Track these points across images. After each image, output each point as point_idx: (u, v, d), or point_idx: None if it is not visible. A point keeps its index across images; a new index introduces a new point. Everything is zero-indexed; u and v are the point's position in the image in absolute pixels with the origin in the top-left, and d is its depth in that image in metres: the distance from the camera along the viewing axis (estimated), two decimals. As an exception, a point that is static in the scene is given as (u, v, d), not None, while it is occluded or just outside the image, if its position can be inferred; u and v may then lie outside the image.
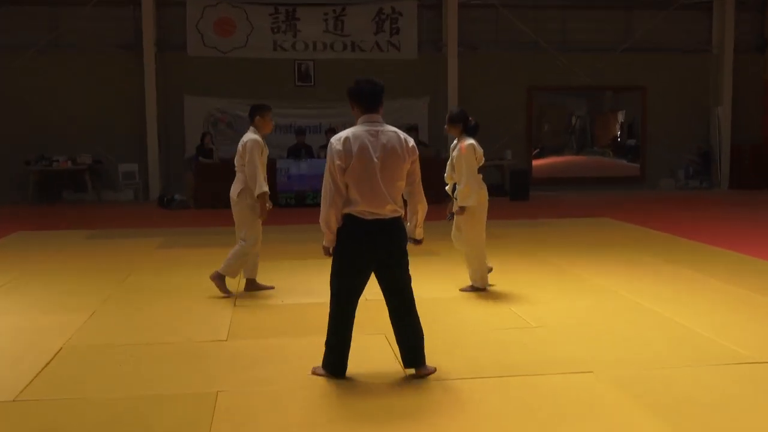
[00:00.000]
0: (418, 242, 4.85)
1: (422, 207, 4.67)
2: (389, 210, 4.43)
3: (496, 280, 7.42)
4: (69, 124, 15.75)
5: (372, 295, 6.21)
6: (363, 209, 4.40)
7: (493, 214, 7.72)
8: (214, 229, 11.34)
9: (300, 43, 16.48)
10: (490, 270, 7.14)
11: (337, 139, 4.43)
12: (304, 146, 15.08)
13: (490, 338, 5.48)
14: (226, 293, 6.86)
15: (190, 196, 14.67)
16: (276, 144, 15.75)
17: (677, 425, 3.86)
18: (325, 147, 15.56)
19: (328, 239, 4.57)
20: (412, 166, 4.54)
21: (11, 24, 15.80)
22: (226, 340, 5.47)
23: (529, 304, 6.47)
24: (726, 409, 4.08)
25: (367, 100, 4.48)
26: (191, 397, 4.32)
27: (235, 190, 6.93)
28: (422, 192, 4.64)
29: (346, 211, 4.45)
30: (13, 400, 4.29)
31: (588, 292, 6.96)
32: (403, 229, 4.59)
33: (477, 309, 6.38)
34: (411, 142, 4.55)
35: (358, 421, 3.97)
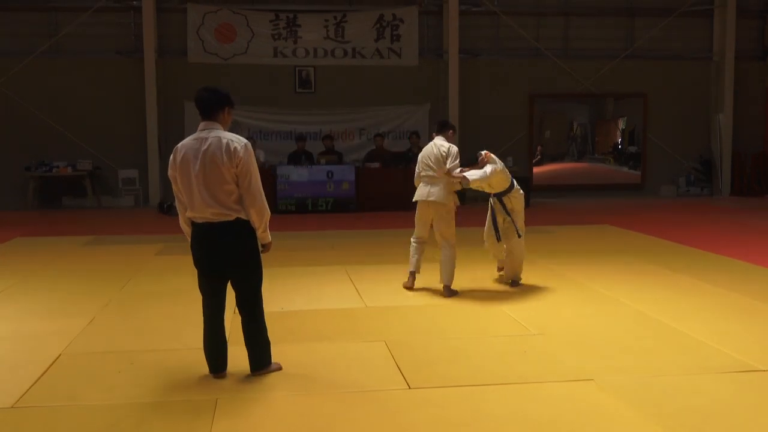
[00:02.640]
0: (263, 247, 4.79)
1: (254, 211, 4.57)
2: (211, 213, 4.55)
3: (498, 287, 7.41)
4: (69, 130, 15.76)
5: (372, 302, 6.20)
6: (192, 214, 4.63)
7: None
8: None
9: (301, 50, 16.48)
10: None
11: (173, 150, 4.69)
12: (304, 152, 15.07)
13: (491, 345, 5.46)
14: None
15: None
16: (276, 150, 15.81)
17: (679, 434, 3.84)
18: (324, 154, 15.57)
19: (189, 240, 4.80)
20: (238, 169, 4.52)
21: (11, 30, 15.81)
22: (225, 347, 5.44)
23: (529, 311, 6.45)
24: (727, 418, 4.06)
25: (200, 108, 4.66)
26: (190, 403, 4.30)
27: None
28: (254, 195, 4.55)
29: (188, 215, 4.68)
30: (12, 407, 4.27)
31: (589, 299, 6.94)
32: (236, 233, 4.58)
33: (477, 316, 6.36)
34: (235, 145, 4.52)
35: (358, 429, 3.95)
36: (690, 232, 11.26)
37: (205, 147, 4.54)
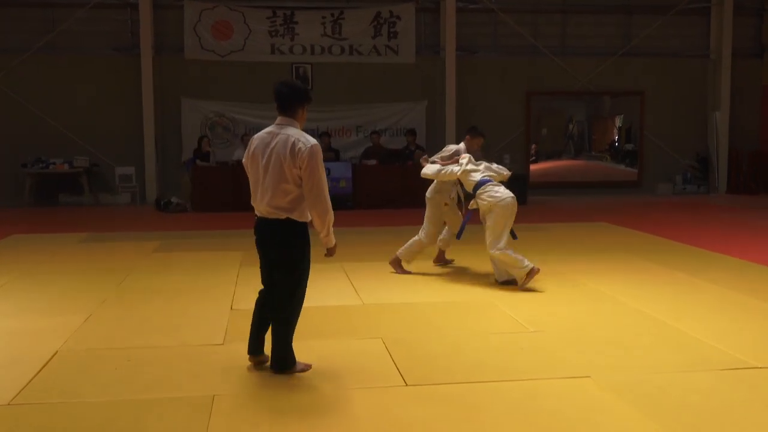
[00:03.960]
0: (327, 251, 4.78)
1: (316, 213, 4.53)
2: (265, 211, 4.58)
3: (495, 285, 7.41)
4: (66, 127, 15.73)
5: (369, 300, 6.21)
6: (254, 205, 4.69)
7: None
8: (211, 232, 11.33)
9: (298, 47, 16.46)
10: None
11: (250, 140, 4.75)
12: (301, 150, 15.02)
13: (489, 343, 5.46)
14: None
15: (187, 199, 14.65)
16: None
17: (674, 430, 3.85)
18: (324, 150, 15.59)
19: None
20: (301, 170, 4.47)
21: (7, 26, 15.77)
22: (222, 344, 5.45)
23: (526, 308, 6.46)
24: (723, 415, 4.07)
25: (277, 102, 4.68)
26: (187, 400, 4.30)
27: None
28: (317, 198, 4.49)
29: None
30: (8, 404, 4.26)
31: (586, 296, 6.95)
32: (284, 233, 4.55)
33: (475, 313, 6.37)
34: (300, 145, 4.48)
35: (355, 426, 3.95)
36: (686, 230, 11.27)
37: (274, 143, 4.54)
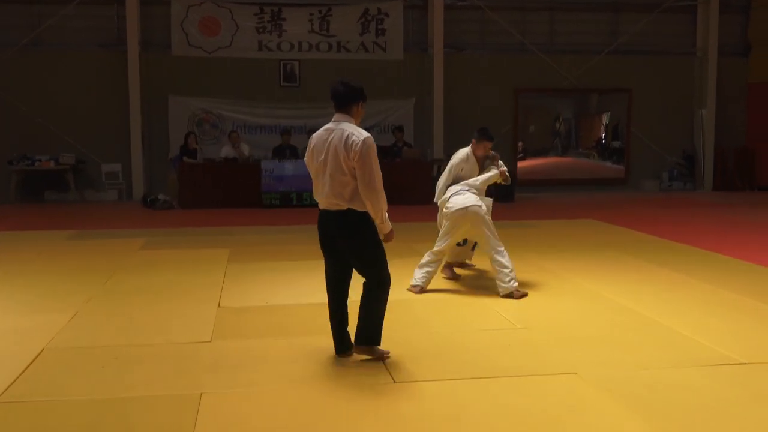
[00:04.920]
0: (384, 238, 4.95)
1: (370, 203, 4.74)
2: (328, 203, 4.83)
3: (483, 282, 7.42)
4: (52, 124, 15.63)
5: (357, 297, 6.19)
6: (316, 199, 4.96)
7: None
8: (198, 229, 11.29)
9: (285, 44, 16.43)
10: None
11: (309, 139, 5.03)
12: (289, 146, 15.03)
13: (475, 339, 5.47)
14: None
15: (174, 196, 14.60)
16: (261, 144, 15.76)
17: (661, 426, 3.87)
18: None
19: None
20: (355, 162, 4.68)
21: (-6, 22, 15.67)
22: (210, 342, 5.43)
23: (513, 305, 6.47)
24: (710, 410, 4.09)
25: (334, 100, 4.88)
26: (175, 398, 4.28)
27: None
28: (369, 188, 4.69)
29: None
30: (-6, 402, 4.24)
31: (572, 293, 6.97)
32: (349, 223, 4.77)
33: (462, 310, 6.37)
34: (354, 138, 4.68)
35: (343, 423, 3.95)
36: (673, 227, 11.32)
37: (331, 138, 4.78)
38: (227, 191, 14.18)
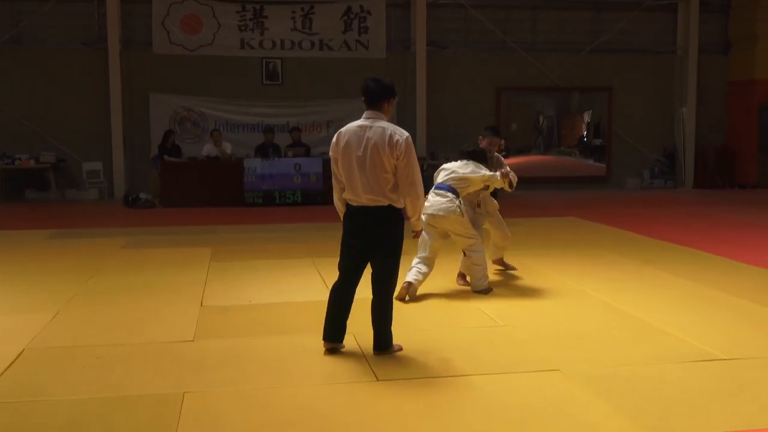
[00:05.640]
0: (414, 234, 5.21)
1: (410, 200, 4.89)
2: (367, 199, 4.85)
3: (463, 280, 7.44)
4: (32, 122, 15.48)
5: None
6: (349, 196, 4.93)
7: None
8: (180, 228, 11.24)
9: (268, 42, 16.37)
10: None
11: (336, 133, 4.99)
12: (272, 145, 14.99)
13: (458, 337, 5.49)
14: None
15: (155, 195, 14.52)
16: (244, 143, 15.70)
17: (642, 421, 3.90)
18: (291, 146, 15.48)
19: (341, 217, 5.12)
20: (397, 160, 4.80)
21: (-28, 19, 15.51)
22: (192, 341, 5.41)
23: (496, 302, 6.50)
24: (690, 406, 4.13)
25: (366, 97, 4.93)
26: (157, 398, 4.27)
27: None
28: (411, 185, 4.84)
29: (344, 196, 4.99)
30: (-26, 403, 4.20)
31: (555, 290, 7.00)
32: (388, 218, 4.89)
33: (446, 308, 6.39)
34: (397, 137, 4.80)
35: (327, 421, 3.95)
36: (654, 224, 11.40)
37: (369, 135, 4.83)
38: (209, 190, 14.11)
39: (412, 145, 4.87)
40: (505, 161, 7.75)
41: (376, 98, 4.92)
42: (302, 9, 16.36)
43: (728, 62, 18.09)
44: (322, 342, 5.05)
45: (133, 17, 15.97)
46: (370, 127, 4.86)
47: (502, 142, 7.67)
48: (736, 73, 17.86)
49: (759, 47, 17.11)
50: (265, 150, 14.84)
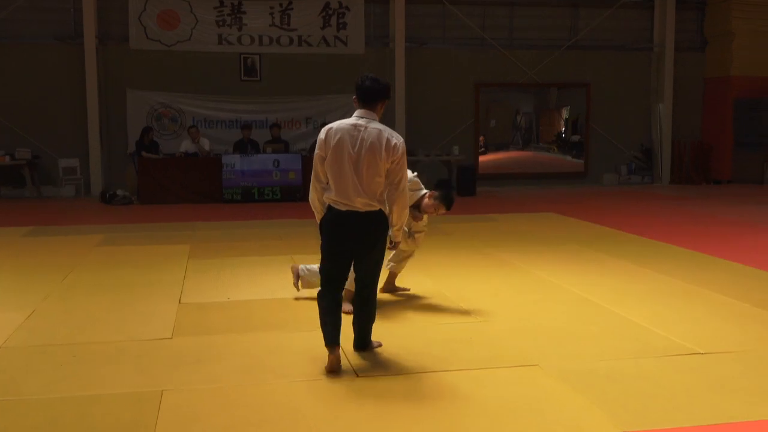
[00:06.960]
0: (392, 245, 4.95)
1: (396, 208, 4.71)
2: (360, 203, 4.60)
3: (444, 275, 7.45)
4: (7, 118, 15.32)
5: (308, 294, 6.18)
6: (336, 199, 4.63)
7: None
8: (158, 225, 11.16)
9: (246, 37, 16.29)
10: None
11: (324, 129, 4.71)
12: (249, 141, 14.94)
13: (437, 333, 5.50)
14: None
15: (132, 191, 14.42)
16: (222, 139, 15.64)
17: (620, 416, 3.92)
18: (271, 142, 15.42)
19: (317, 217, 4.87)
20: (392, 165, 4.61)
21: (-55, 14, 15.30)
22: (170, 338, 5.38)
23: (475, 298, 6.51)
24: (669, 400, 4.16)
25: (361, 95, 4.75)
26: (135, 396, 4.23)
27: None
28: (401, 192, 4.68)
29: (326, 198, 4.70)
30: (-52, 403, 4.15)
31: (533, 286, 7.03)
32: (380, 223, 4.71)
33: (423, 303, 6.40)
34: (394, 141, 4.61)
35: (305, 419, 3.94)
36: (631, 220, 11.49)
37: (365, 136, 4.60)
38: (187, 186, 14.05)
39: (406, 151, 4.70)
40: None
41: (371, 98, 4.72)
42: (280, 5, 16.30)
43: (704, 59, 18.26)
44: (326, 348, 4.62)
45: (110, 12, 15.84)
46: (366, 127, 4.62)
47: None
48: (712, 69, 18.03)
49: (735, 44, 17.28)
50: (244, 146, 14.79)
